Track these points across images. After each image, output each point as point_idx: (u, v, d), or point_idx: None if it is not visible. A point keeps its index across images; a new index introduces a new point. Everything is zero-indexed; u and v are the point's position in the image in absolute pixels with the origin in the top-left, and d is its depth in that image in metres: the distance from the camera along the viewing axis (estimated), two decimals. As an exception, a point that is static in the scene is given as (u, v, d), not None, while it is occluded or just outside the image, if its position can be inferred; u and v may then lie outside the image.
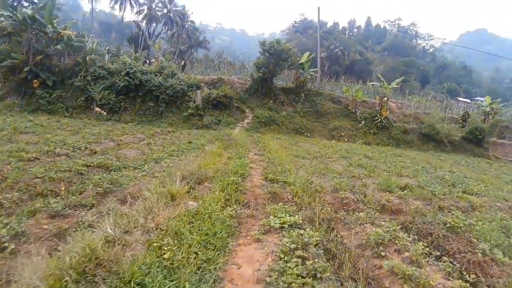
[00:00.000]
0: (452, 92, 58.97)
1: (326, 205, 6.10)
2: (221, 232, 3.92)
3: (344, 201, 6.50)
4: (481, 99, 58.14)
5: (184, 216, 4.09)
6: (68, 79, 20.90)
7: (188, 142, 12.75)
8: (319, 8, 30.08)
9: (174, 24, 62.18)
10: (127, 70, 20.18)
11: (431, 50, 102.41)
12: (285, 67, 23.84)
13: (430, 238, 5.02)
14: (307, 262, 3.42)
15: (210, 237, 3.78)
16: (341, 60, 65.88)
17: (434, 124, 23.22)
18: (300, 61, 23.77)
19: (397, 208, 6.71)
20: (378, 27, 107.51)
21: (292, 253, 3.57)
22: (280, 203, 5.59)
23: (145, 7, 62.15)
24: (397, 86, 24.51)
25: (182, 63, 29.64)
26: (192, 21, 65.58)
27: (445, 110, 29.76)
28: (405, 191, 7.74)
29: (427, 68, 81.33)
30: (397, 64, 72.78)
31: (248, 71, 28.08)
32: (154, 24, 62.85)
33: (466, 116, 26.28)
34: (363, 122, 23.01)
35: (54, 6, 21.69)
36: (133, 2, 63.74)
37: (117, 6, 64.93)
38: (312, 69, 25.71)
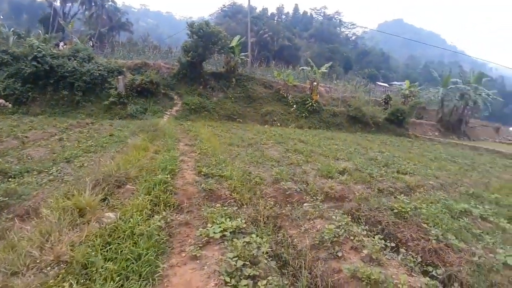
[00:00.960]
0: (372, 77, 63.69)
1: (269, 199, 5.57)
2: (147, 252, 3.06)
3: (287, 193, 6.06)
4: (398, 83, 63.58)
5: (97, 237, 3.12)
6: (-36, 67, 17.56)
7: (109, 135, 11.30)
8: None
9: (93, 4, 56.57)
10: (35, 54, 17.38)
11: (353, 38, 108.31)
12: (215, 51, 22.75)
13: (380, 226, 4.76)
14: (259, 283, 2.78)
15: (133, 262, 2.91)
16: (270, 46, 66.14)
17: (360, 107, 24.26)
18: (231, 45, 22.84)
19: (340, 194, 6.54)
20: (305, 14, 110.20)
21: (239, 272, 2.88)
22: (218, 203, 4.90)
23: (60, -16, 55.33)
24: (326, 70, 25.01)
25: (90, 44, 26.66)
26: (113, 1, 60.30)
27: (369, 93, 31.47)
28: (345, 176, 7.61)
29: (349, 54, 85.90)
30: (322, 51, 75.54)
31: (175, 56, 26.32)
32: (70, 4, 56.38)
33: (388, 99, 28.07)
34: (294, 106, 23.11)
35: None
36: (45, -22, 56.20)
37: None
38: (243, 53, 25.01)
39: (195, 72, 22.13)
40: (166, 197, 4.75)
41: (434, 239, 4.14)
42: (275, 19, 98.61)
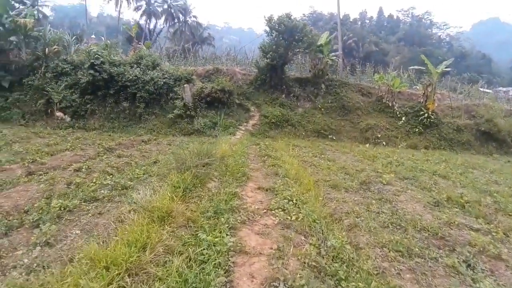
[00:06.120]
0: (473, 83, 53.86)
1: None
2: None
3: None
4: (504, 89, 52.63)
5: None
6: (26, 77, 16.17)
7: (154, 162, 7.73)
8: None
9: (176, 20, 57.89)
10: (92, 61, 15.14)
11: (447, 39, 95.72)
12: (300, 51, 18.55)
13: None
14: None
15: None
16: (355, 52, 60.64)
17: (494, 119, 17.78)
18: (319, 43, 18.39)
19: None
20: (391, 17, 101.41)
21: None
22: None
23: (143, 3, 57.76)
24: (447, 69, 18.96)
25: None
26: (195, 16, 61.31)
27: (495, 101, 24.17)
28: None
29: (445, 58, 75.39)
30: (414, 54, 67.03)
31: (252, 62, 22.64)
32: (154, 21, 58.47)
33: (527, 107, 20.73)
34: (403, 118, 17.59)
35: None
36: (129, -4, 59.06)
37: (112, 3, 60.00)
38: (332, 53, 20.31)
39: (275, 77, 18.12)
40: None
41: None
42: (359, 24, 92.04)
